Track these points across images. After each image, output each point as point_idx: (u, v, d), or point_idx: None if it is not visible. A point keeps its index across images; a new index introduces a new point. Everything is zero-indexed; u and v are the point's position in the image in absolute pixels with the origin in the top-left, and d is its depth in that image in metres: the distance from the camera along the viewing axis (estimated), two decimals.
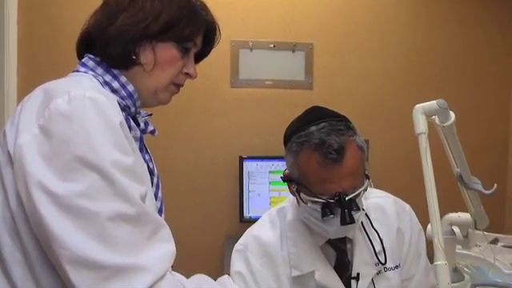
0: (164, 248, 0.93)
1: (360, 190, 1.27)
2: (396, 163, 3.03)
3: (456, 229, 2.08)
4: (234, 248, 1.45)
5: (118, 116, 0.95)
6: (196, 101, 2.83)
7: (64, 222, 0.85)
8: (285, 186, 1.39)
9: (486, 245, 2.14)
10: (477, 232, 2.17)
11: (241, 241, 1.46)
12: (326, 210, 1.25)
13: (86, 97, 0.91)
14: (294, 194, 1.36)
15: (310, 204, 1.28)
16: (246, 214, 2.75)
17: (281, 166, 2.73)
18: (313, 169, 1.24)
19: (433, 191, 1.29)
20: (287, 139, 1.33)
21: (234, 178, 2.82)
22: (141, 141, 1.12)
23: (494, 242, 2.27)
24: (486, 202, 2.06)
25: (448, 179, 1.95)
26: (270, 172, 2.77)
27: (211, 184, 2.92)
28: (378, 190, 1.59)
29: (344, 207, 1.23)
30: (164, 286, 0.89)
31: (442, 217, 1.99)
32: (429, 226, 1.50)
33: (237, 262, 1.41)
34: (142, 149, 1.12)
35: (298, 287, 1.38)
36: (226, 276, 1.07)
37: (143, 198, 0.94)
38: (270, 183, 2.76)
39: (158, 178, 1.16)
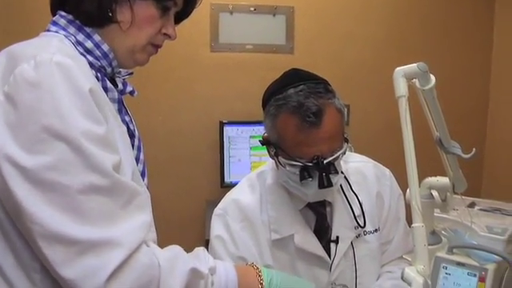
0: (139, 218, 0.91)
1: (338, 153, 1.26)
2: (376, 128, 3.04)
3: (434, 193, 2.09)
4: (214, 212, 1.44)
5: (88, 82, 0.90)
6: (175, 66, 2.79)
7: (35, 196, 0.83)
8: (266, 151, 1.38)
9: (463, 208, 2.16)
10: (455, 196, 2.20)
11: (220, 205, 1.45)
12: (305, 174, 1.25)
13: (52, 62, 0.86)
14: (272, 158, 1.35)
15: (288, 167, 1.27)
16: (227, 180, 2.75)
17: (261, 131, 2.64)
18: (291, 132, 1.23)
19: (412, 154, 1.29)
20: (265, 102, 1.31)
21: (215, 143, 2.81)
22: (119, 102, 1.07)
23: (471, 205, 2.30)
24: (464, 167, 2.07)
25: (427, 144, 1.95)
26: (250, 137, 2.76)
27: (192, 150, 2.90)
28: (358, 155, 1.59)
29: (322, 170, 1.22)
30: (138, 261, 0.88)
31: (420, 181, 2.02)
32: (408, 191, 1.51)
33: (216, 226, 1.41)
34: (121, 110, 1.08)
35: (278, 251, 1.39)
36: (202, 248, 1.06)
37: (116, 168, 0.91)
38: (250, 148, 2.76)
39: (139, 140, 1.12)
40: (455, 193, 2.12)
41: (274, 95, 1.27)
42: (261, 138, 1.36)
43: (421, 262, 1.24)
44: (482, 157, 3.22)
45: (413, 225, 1.27)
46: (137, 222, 0.90)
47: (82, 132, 0.85)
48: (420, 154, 1.39)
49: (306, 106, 1.21)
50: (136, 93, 1.14)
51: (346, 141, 1.31)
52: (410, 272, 1.23)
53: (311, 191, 1.28)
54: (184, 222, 2.83)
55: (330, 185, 1.24)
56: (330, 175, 1.24)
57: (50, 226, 0.83)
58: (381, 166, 1.56)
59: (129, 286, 0.86)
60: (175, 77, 2.82)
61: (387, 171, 1.55)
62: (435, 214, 2.14)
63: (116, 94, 1.05)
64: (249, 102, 2.83)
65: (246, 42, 2.91)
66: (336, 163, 1.27)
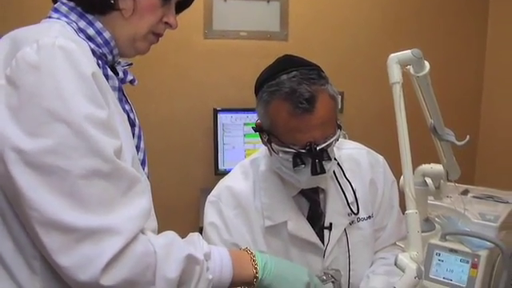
0: (138, 205, 0.91)
1: (331, 139, 1.26)
2: (371, 115, 3.04)
3: (428, 180, 2.10)
4: (207, 199, 1.44)
5: (91, 66, 0.90)
6: (169, 53, 2.77)
7: (34, 181, 0.82)
8: (259, 138, 1.37)
9: (456, 196, 2.17)
10: (448, 183, 2.21)
11: (214, 192, 1.45)
12: (297, 160, 1.24)
13: (55, 45, 0.86)
14: (265, 145, 1.34)
15: (281, 154, 1.27)
16: (221, 167, 2.75)
17: (256, 118, 2.67)
18: (283, 118, 1.22)
19: (406, 141, 1.29)
20: (258, 88, 1.30)
21: (209, 130, 2.80)
22: (120, 90, 1.06)
23: (465, 193, 2.31)
24: (458, 154, 2.08)
25: (422, 131, 1.95)
26: (244, 124, 2.75)
27: (185, 137, 2.89)
28: (351, 142, 1.58)
29: (315, 157, 1.22)
30: (135, 249, 0.87)
31: (414, 168, 2.02)
32: (402, 178, 1.51)
33: (210, 213, 1.41)
34: (122, 99, 1.07)
35: (271, 237, 1.39)
36: (197, 234, 1.06)
37: (117, 153, 0.90)
38: (244, 135, 2.75)
39: (139, 128, 1.11)
40: (449, 180, 2.13)
41: (266, 82, 1.27)
42: (254, 125, 1.35)
43: (414, 248, 1.25)
44: (476, 144, 3.23)
45: (406, 211, 1.27)
46: (136, 209, 0.90)
47: (85, 116, 0.85)
48: (414, 141, 1.39)
49: (299, 92, 1.20)
50: (136, 82, 1.14)
51: (339, 127, 1.30)
52: (404, 258, 1.23)
53: (304, 178, 1.28)
54: (178, 209, 2.83)
55: (323, 171, 1.23)
56: (323, 162, 1.23)
57: (48, 212, 0.82)
58: (374, 152, 1.55)
59: (125, 274, 0.86)
60: (168, 64, 2.80)
61: (381, 158, 1.54)
62: (429, 201, 2.15)
63: (117, 82, 1.04)
64: (243, 89, 2.81)
65: (240, 28, 2.89)
66: (329, 150, 1.26)
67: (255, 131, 1.34)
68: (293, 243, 1.39)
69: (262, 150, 1.47)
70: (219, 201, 1.40)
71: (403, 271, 1.23)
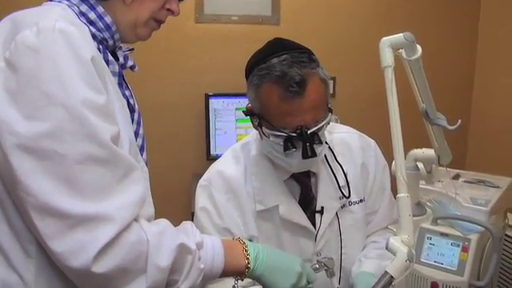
0: (133, 193, 0.90)
1: (322, 123, 1.25)
2: (362, 100, 3.03)
3: (420, 164, 2.11)
4: (198, 184, 1.44)
5: (90, 50, 0.89)
6: (160, 37, 2.71)
7: (29, 165, 0.82)
8: (251, 123, 1.37)
9: (448, 180, 2.18)
10: (440, 168, 2.22)
11: (205, 176, 1.44)
12: (288, 144, 1.24)
13: (55, 29, 0.85)
14: (256, 129, 1.34)
15: (272, 138, 1.26)
16: (213, 152, 2.74)
17: (247, 103, 2.69)
18: (274, 102, 1.22)
19: (397, 124, 1.29)
20: (249, 72, 1.29)
21: (201, 115, 2.79)
22: (120, 76, 1.06)
23: (456, 177, 2.32)
24: (449, 139, 2.08)
25: (413, 116, 1.95)
26: (236, 109, 2.74)
27: (177, 122, 2.88)
28: (343, 126, 1.58)
29: (305, 141, 1.22)
30: (128, 237, 0.87)
31: (406, 153, 2.03)
32: (393, 162, 1.52)
33: (201, 198, 1.40)
34: (122, 84, 1.07)
35: (263, 222, 1.39)
36: (190, 223, 1.06)
37: (115, 139, 0.89)
38: (236, 120, 2.75)
39: (139, 114, 1.11)
40: (440, 165, 2.14)
41: (257, 65, 1.26)
42: (244, 109, 1.34)
43: (405, 231, 1.25)
44: (467, 129, 3.24)
45: (398, 195, 1.28)
46: (131, 197, 0.90)
47: (83, 100, 0.84)
48: (406, 126, 1.39)
49: (290, 75, 1.19)
50: (137, 68, 1.13)
51: (330, 111, 1.29)
52: (395, 242, 1.24)
53: (295, 161, 1.27)
54: (170, 195, 2.82)
55: (314, 155, 1.23)
56: (314, 145, 1.23)
57: (43, 197, 0.82)
58: (366, 137, 1.55)
59: (117, 262, 0.86)
60: (159, 49, 2.77)
61: (372, 142, 1.54)
62: (420, 186, 2.16)
63: (117, 68, 1.04)
64: (234, 74, 2.78)
65: (232, 13, 2.87)
66: (320, 133, 1.26)
67: (246, 115, 1.33)
68: (284, 227, 1.39)
69: (253, 134, 1.46)
70: (210, 185, 1.40)
71: (394, 255, 1.23)
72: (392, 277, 1.21)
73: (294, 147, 1.24)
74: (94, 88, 0.87)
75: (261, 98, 1.25)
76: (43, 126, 0.82)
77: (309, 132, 1.22)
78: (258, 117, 1.29)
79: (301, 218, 1.39)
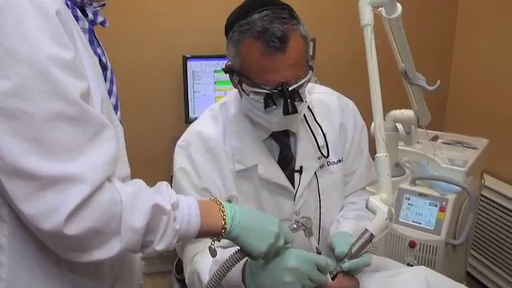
0: (105, 152, 0.87)
1: (303, 80, 1.24)
2: (342, 62, 3.02)
3: (399, 126, 2.12)
4: (177, 145, 1.42)
5: (56, 4, 0.84)
6: None
7: None
8: (230, 85, 1.35)
9: (426, 141, 2.20)
10: (419, 129, 2.24)
11: (183, 137, 1.43)
12: (269, 101, 1.23)
13: None
14: (236, 87, 1.32)
15: (252, 95, 1.25)
16: (192, 115, 2.71)
17: None
18: (255, 58, 1.20)
19: (376, 83, 1.29)
20: (228, 28, 1.27)
21: (179, 78, 2.75)
22: (90, 33, 1.01)
23: (435, 139, 2.35)
24: (429, 101, 2.09)
25: (393, 78, 1.95)
26: (214, 71, 2.70)
27: (155, 86, 2.83)
28: (322, 86, 1.57)
29: (287, 97, 1.20)
30: (100, 198, 0.85)
31: (385, 114, 2.03)
32: (372, 124, 1.52)
33: (180, 158, 1.39)
34: (93, 41, 1.02)
35: (242, 181, 1.38)
36: (165, 183, 1.04)
37: (84, 96, 0.86)
38: (215, 83, 2.70)
39: (112, 72, 1.07)
40: (419, 126, 2.16)
41: (237, 21, 1.23)
42: (223, 68, 1.32)
43: (384, 190, 1.26)
44: (447, 91, 3.25)
45: (377, 154, 1.28)
46: (103, 156, 0.87)
47: (49, 56, 0.80)
48: (385, 87, 1.39)
49: (271, 31, 1.17)
50: (107, 23, 1.08)
51: (311, 68, 1.28)
52: (375, 201, 1.25)
53: (276, 119, 1.26)
54: (150, 158, 2.80)
55: (295, 111, 1.22)
56: (295, 103, 1.22)
57: (11, 159, 0.79)
58: (345, 97, 1.54)
59: (89, 224, 0.84)
60: (134, 10, 2.70)
61: (351, 102, 1.53)
62: (399, 147, 2.18)
63: (87, 24, 0.99)
64: (213, 36, 2.74)
65: None
66: (300, 91, 1.24)
67: (225, 73, 1.31)
68: (263, 187, 1.39)
69: (232, 93, 1.44)
70: (189, 146, 1.39)
71: (374, 213, 1.24)
72: (372, 235, 1.23)
73: (275, 104, 1.23)
74: (60, 43, 0.83)
75: (241, 54, 1.23)
76: (7, 84, 0.78)
77: (290, 89, 1.21)
78: (237, 74, 1.26)
79: (280, 177, 1.38)
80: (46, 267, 0.93)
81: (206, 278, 1.24)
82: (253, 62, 1.20)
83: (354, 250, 1.23)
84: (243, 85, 1.25)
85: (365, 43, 1.29)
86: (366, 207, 1.26)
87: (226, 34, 1.27)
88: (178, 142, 1.42)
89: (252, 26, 1.19)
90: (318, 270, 1.14)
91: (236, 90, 1.37)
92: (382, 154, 1.27)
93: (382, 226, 1.23)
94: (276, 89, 1.20)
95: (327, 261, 1.18)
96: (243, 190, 1.39)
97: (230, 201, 1.37)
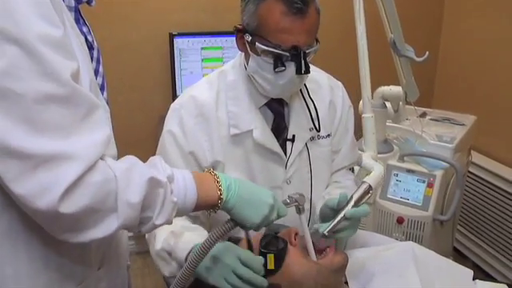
0: (98, 132, 0.86)
1: (312, 49, 1.29)
2: (331, 41, 2.99)
3: (387, 104, 2.12)
4: (170, 107, 1.44)
5: None
6: None
7: None
8: (218, 63, 1.36)
9: (414, 118, 2.21)
10: (407, 106, 2.24)
11: (177, 100, 1.45)
12: (278, 62, 1.26)
13: None
14: (243, 48, 1.35)
15: (263, 55, 1.28)
16: (179, 93, 2.69)
17: (213, 42, 2.64)
18: (275, 17, 1.23)
19: (365, 53, 1.32)
20: None
21: (165, 56, 2.71)
22: (76, 11, 0.99)
23: (423, 115, 2.35)
24: (417, 77, 2.09)
25: (382, 52, 1.94)
26: (202, 48, 2.67)
27: (141, 64, 2.80)
28: (312, 65, 1.57)
29: (301, 57, 1.25)
30: (94, 176, 0.84)
31: (374, 90, 2.02)
32: (360, 102, 1.52)
33: (170, 121, 1.41)
34: (79, 20, 1.00)
35: (235, 146, 1.40)
36: (158, 157, 1.03)
37: (75, 76, 0.84)
38: (202, 60, 2.68)
39: (98, 51, 1.05)
40: (407, 102, 2.16)
41: None
42: (234, 28, 1.35)
43: (371, 149, 1.30)
44: (435, 67, 3.24)
45: (363, 115, 1.38)
46: (96, 135, 0.86)
47: (38, 35, 0.78)
48: (374, 63, 1.38)
49: None
50: (94, 2, 1.06)
51: (317, 41, 1.32)
52: (368, 160, 1.30)
53: (281, 81, 1.29)
54: (136, 138, 2.77)
55: (308, 71, 1.27)
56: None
57: (2, 139, 0.77)
58: (334, 78, 1.58)
59: (85, 202, 0.83)
60: None
61: (340, 83, 1.58)
62: (387, 124, 2.18)
63: (72, 2, 0.97)
64: (200, 13, 2.72)
65: None
66: (308, 59, 1.28)
67: (238, 32, 1.34)
68: (256, 152, 1.41)
69: (230, 62, 1.47)
70: (181, 108, 1.41)
71: (371, 170, 1.31)
72: (370, 186, 1.27)
73: (284, 66, 1.26)
74: (50, 22, 0.81)
75: (261, 12, 1.25)
76: None
77: (305, 51, 1.26)
78: (251, 33, 1.29)
79: (273, 144, 1.41)
80: (32, 249, 0.92)
81: (160, 238, 1.29)
82: (272, 21, 1.24)
83: (354, 197, 1.26)
84: (256, 44, 1.27)
85: (354, 13, 1.30)
86: (361, 166, 1.33)
87: None
88: (172, 104, 1.45)
89: None
90: (247, 267, 1.13)
91: (234, 60, 1.43)
92: (368, 114, 1.32)
93: (379, 179, 1.30)
94: (289, 51, 1.25)
95: (260, 262, 1.15)
96: (233, 156, 1.40)
97: (214, 167, 1.38)
